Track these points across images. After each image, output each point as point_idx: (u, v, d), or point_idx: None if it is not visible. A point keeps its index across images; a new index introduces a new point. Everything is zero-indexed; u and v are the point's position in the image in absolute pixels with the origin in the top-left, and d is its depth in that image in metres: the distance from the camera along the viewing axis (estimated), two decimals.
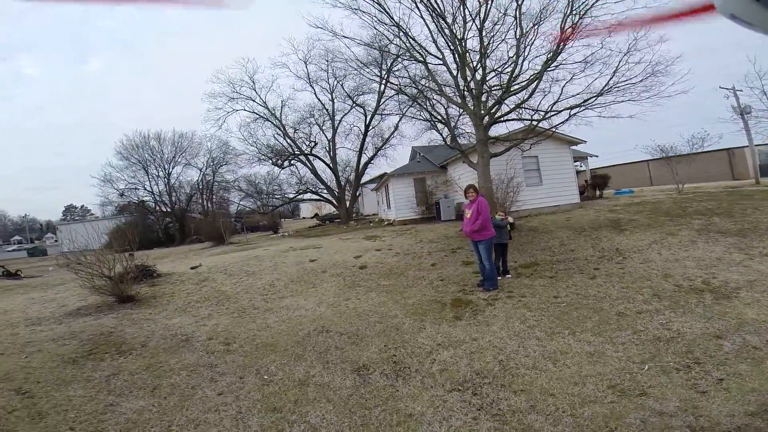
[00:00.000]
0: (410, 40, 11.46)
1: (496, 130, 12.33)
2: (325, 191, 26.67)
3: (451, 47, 11.06)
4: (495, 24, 10.67)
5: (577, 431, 2.68)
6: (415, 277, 7.26)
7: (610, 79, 9.41)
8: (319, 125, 26.42)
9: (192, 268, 10.40)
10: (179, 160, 33.02)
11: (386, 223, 19.17)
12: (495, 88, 11.31)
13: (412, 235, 11.93)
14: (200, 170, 33.28)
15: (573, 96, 10.02)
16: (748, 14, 0.96)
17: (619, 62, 9.19)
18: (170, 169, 32.74)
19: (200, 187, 33.43)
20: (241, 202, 32.22)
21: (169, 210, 32.61)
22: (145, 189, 32.65)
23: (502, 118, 11.30)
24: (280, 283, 7.51)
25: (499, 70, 11.13)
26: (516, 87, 10.54)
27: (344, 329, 5.01)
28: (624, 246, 7.82)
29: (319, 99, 25.96)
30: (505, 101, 10.98)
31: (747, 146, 19.54)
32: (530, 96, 10.44)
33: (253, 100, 25.29)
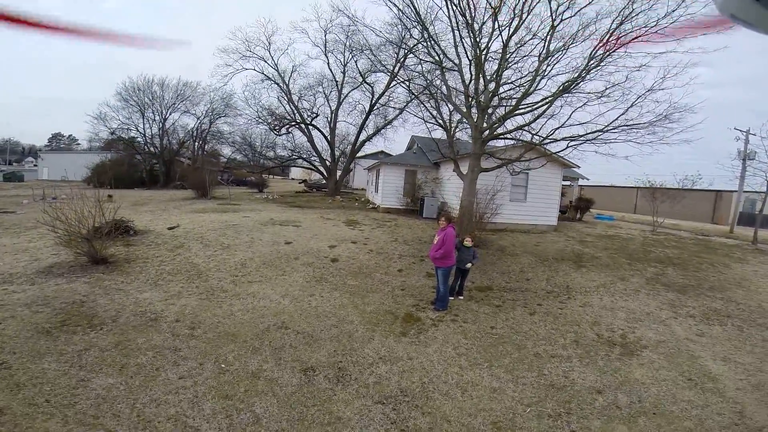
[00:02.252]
0: (431, 39, 11.41)
1: (493, 144, 12.53)
2: (317, 161, 26.69)
3: (470, 56, 11.00)
4: (520, 45, 10.51)
5: None
6: (381, 281, 7.70)
7: (621, 114, 9.23)
8: (325, 95, 26.20)
9: (169, 228, 10.63)
10: (178, 106, 32.49)
11: (371, 206, 19.50)
12: (503, 102, 11.28)
13: (391, 230, 12.33)
14: (198, 118, 32.78)
15: (579, 124, 9.83)
16: (748, 14, 0.97)
17: (638, 98, 8.97)
18: (167, 115, 32.19)
19: (194, 134, 32.94)
20: (232, 155, 31.96)
21: (157, 152, 32.13)
22: (138, 131, 32.07)
23: (501, 136, 11.48)
24: (252, 264, 7.87)
25: (514, 84, 11.10)
26: (524, 107, 10.51)
27: (302, 328, 5.44)
28: (575, 284, 8.38)
29: (330, 69, 25.60)
30: (509, 119, 11.04)
31: (736, 191, 20.24)
32: (536, 119, 10.35)
33: (265, 61, 24.91)
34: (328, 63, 25.40)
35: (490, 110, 11.30)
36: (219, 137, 33.40)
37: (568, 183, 22.23)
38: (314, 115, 26.17)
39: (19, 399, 3.50)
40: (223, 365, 4.38)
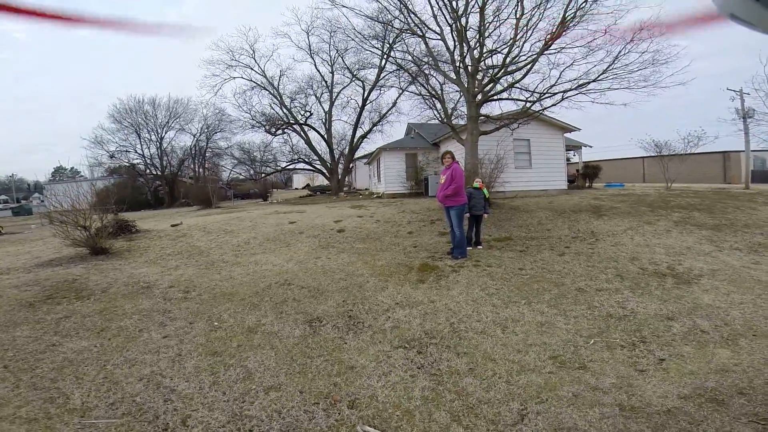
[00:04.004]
0: (411, 14, 11.22)
1: (490, 110, 12.21)
2: (317, 162, 26.50)
3: (450, 23, 10.80)
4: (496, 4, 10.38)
5: (507, 398, 2.66)
6: (390, 243, 7.31)
7: (609, 66, 9.24)
8: (317, 96, 26.10)
9: (172, 225, 10.39)
10: (173, 125, 32.64)
11: (375, 195, 19.16)
12: (491, 67, 11.12)
13: (397, 206, 11.96)
14: (194, 136, 32.91)
15: (570, 81, 9.86)
16: (748, 14, 0.95)
17: (620, 50, 9.01)
18: (163, 134, 32.38)
19: (193, 152, 33.02)
20: (233, 170, 31.96)
21: (159, 173, 32.25)
22: (136, 152, 32.25)
23: (494, 97, 11.17)
24: (255, 241, 7.54)
25: (497, 49, 10.91)
26: (512, 67, 10.35)
27: (307, 284, 5.07)
28: (599, 230, 7.90)
29: (318, 70, 25.65)
30: (500, 81, 10.82)
31: (743, 151, 19.52)
32: (524, 76, 10.27)
33: (252, 69, 24.93)
34: (315, 64, 25.49)
35: (480, 75, 11.04)
36: (217, 152, 33.47)
37: (571, 153, 21.71)
38: (308, 113, 26.06)
39: None
40: (215, 323, 3.95)
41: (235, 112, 30.89)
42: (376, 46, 17.08)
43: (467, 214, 6.45)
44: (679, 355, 3.25)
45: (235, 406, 2.64)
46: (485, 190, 6.91)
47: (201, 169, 34.12)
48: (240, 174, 32.60)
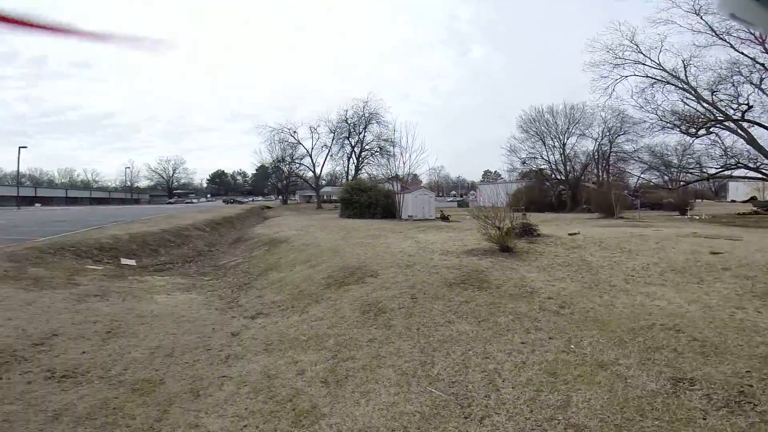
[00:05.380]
0: None
1: None
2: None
3: None
4: None
5: None
6: None
7: None
8: (753, 83, 18.77)
9: (570, 234, 10.93)
10: (572, 130, 34.32)
11: None
12: None
13: None
14: (595, 140, 32.60)
15: None
16: (747, 14, 0.92)
17: None
18: (565, 140, 34.49)
19: (595, 157, 32.63)
20: (642, 176, 28.57)
21: (563, 178, 34.27)
22: (542, 158, 36.01)
23: None
24: (656, 268, 6.60)
25: None
26: None
27: (703, 336, 3.96)
28: None
29: (741, 52, 18.42)
30: None
31: None
32: None
33: (643, 64, 21.89)
34: (731, 46, 18.47)
35: None
36: (622, 156, 31.15)
37: None
38: (744, 106, 18.99)
39: (402, 324, 4.77)
40: (572, 346, 3.93)
41: (638, 113, 27.22)
42: None
43: None
44: None
45: (530, 426, 2.76)
46: None
47: (604, 174, 33.06)
48: (650, 180, 28.69)
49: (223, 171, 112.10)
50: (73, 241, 11.82)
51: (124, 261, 11.86)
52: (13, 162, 50.23)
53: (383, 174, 34.85)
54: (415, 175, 36.35)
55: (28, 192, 59.80)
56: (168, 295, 7.21)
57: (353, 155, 45.33)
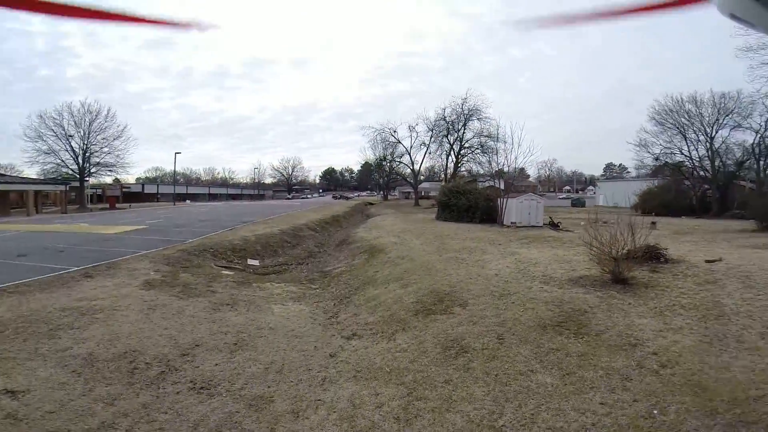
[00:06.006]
0: None
1: None
2: None
3: None
4: None
5: None
6: None
7: None
8: None
9: (707, 261, 9.17)
10: (724, 122, 28.12)
11: None
12: None
13: None
14: (756, 132, 26.16)
15: None
16: (747, 14, 0.96)
17: None
18: (713, 133, 28.50)
19: (756, 151, 26.28)
20: None
21: (708, 176, 28.57)
22: (682, 153, 30.45)
23: None
24: None
25: None
26: None
27: None
28: None
29: None
30: None
31: None
32: None
33: None
34: None
35: None
36: None
37: None
38: None
39: (481, 368, 4.68)
40: (654, 411, 3.63)
41: None
42: None
43: None
44: None
45: None
46: None
47: None
48: None
49: (333, 168, 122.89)
50: (212, 243, 14.32)
51: (250, 261, 14.02)
52: (171, 162, 63.20)
53: (485, 171, 33.50)
54: (522, 169, 33.96)
55: (181, 189, 72.60)
56: (282, 305, 8.28)
57: (452, 153, 44.62)
